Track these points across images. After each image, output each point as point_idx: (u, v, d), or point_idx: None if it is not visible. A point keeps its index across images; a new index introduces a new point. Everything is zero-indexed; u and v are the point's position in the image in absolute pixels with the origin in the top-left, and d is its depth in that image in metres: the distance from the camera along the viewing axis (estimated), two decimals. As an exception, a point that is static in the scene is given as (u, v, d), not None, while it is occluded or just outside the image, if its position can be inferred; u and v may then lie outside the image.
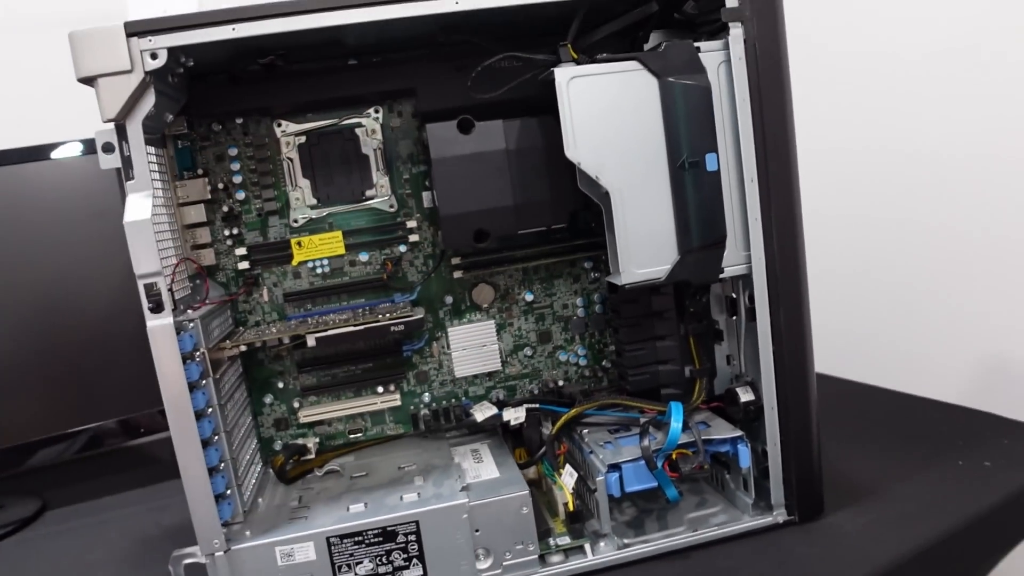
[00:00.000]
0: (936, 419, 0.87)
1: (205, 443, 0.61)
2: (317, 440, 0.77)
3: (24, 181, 0.91)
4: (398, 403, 0.77)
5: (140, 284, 0.58)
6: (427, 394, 0.78)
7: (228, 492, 0.64)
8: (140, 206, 0.58)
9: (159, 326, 0.57)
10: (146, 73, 0.57)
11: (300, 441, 0.76)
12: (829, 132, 1.23)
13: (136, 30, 0.56)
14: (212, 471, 0.61)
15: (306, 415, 0.76)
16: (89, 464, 1.01)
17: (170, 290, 0.60)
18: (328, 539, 0.61)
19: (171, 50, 0.57)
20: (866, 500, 0.70)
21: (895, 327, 1.25)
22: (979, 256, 1.09)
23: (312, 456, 0.75)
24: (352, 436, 0.78)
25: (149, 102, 0.58)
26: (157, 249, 0.58)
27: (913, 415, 0.90)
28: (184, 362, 0.59)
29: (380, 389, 0.77)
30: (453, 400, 0.78)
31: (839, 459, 0.75)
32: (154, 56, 0.56)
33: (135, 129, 0.58)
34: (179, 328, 0.59)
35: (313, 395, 0.76)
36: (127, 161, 0.58)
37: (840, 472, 0.74)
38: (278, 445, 0.77)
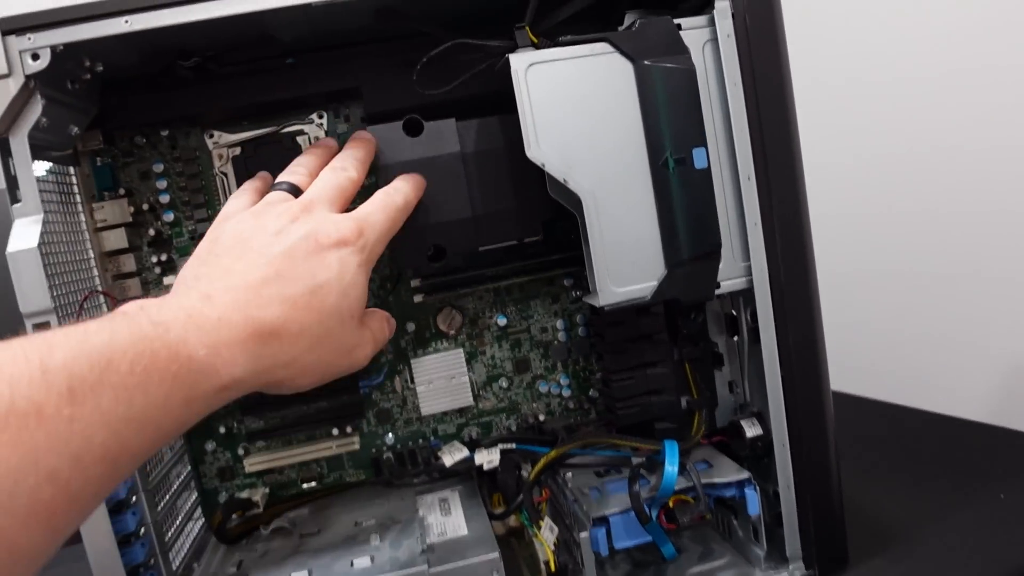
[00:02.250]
0: (967, 442, 0.77)
1: (119, 506, 0.52)
2: (266, 491, 0.67)
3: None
4: (357, 447, 0.68)
5: (29, 325, 0.49)
6: (390, 435, 0.68)
7: (151, 561, 0.55)
8: (26, 233, 0.49)
9: (51, 374, 0.48)
10: (27, 77, 0.48)
11: (245, 494, 0.67)
12: (835, 122, 1.13)
13: (11, 27, 0.48)
14: (128, 539, 0.52)
15: (253, 463, 0.67)
16: None
17: (69, 330, 0.51)
18: (263, 618, 0.52)
19: (57, 50, 0.48)
20: (897, 547, 0.60)
21: (909, 336, 1.15)
22: (998, 257, 0.99)
23: (260, 510, 0.66)
24: (306, 485, 0.68)
25: (35, 111, 0.49)
26: (48, 284, 0.49)
27: (939, 437, 0.80)
28: (91, 412, 0.50)
29: (336, 431, 0.67)
30: (420, 441, 0.69)
31: (860, 495, 0.65)
32: (35, 57, 0.48)
33: (20, 144, 0.49)
34: (83, 374, 0.50)
35: (261, 440, 0.67)
36: (12, 181, 0.50)
37: (863, 512, 0.64)
38: (222, 497, 0.67)
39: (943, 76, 1.01)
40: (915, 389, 0.99)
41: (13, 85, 0.48)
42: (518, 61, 0.50)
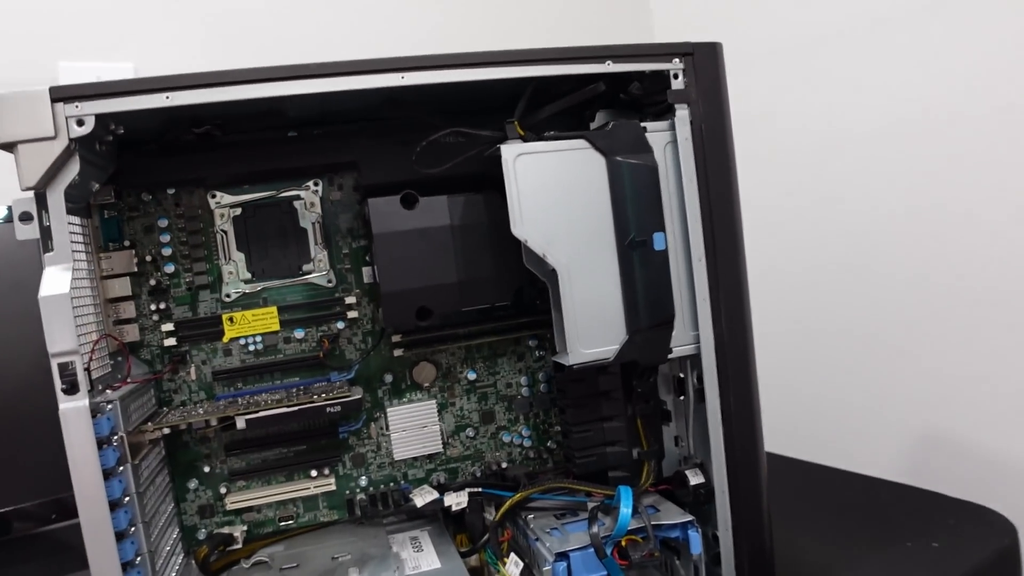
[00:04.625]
0: (880, 498, 0.86)
1: (121, 535, 0.56)
2: (245, 528, 0.72)
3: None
4: (333, 488, 0.73)
5: (54, 363, 0.54)
6: (364, 478, 0.74)
7: (146, 590, 0.59)
8: (58, 280, 0.54)
9: (72, 409, 0.53)
10: (71, 140, 0.54)
11: (226, 530, 0.71)
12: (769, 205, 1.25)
13: (63, 95, 0.53)
14: (127, 566, 0.57)
15: (233, 501, 0.71)
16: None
17: (87, 369, 0.56)
18: (254, 642, 0.57)
19: (99, 117, 0.54)
20: (818, 586, 0.68)
21: (826, 401, 1.26)
22: (910, 329, 1.11)
23: (239, 546, 0.70)
24: (283, 523, 0.73)
25: (73, 171, 0.55)
26: (74, 326, 0.54)
27: (855, 493, 0.89)
28: (100, 447, 0.54)
29: (314, 473, 0.73)
30: (391, 484, 0.75)
31: (788, 543, 0.74)
32: (80, 123, 0.54)
33: (56, 199, 0.54)
34: (96, 410, 0.55)
35: (241, 480, 0.72)
36: (46, 232, 0.55)
37: (790, 557, 0.72)
38: (202, 534, 0.71)
39: (869, 157, 1.14)
40: (834, 451, 1.09)
41: (58, 147, 0.53)
42: (508, 151, 0.58)
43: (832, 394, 1.25)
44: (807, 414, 1.28)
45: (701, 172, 0.60)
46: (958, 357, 1.05)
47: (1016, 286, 0.98)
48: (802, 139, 1.22)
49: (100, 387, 0.60)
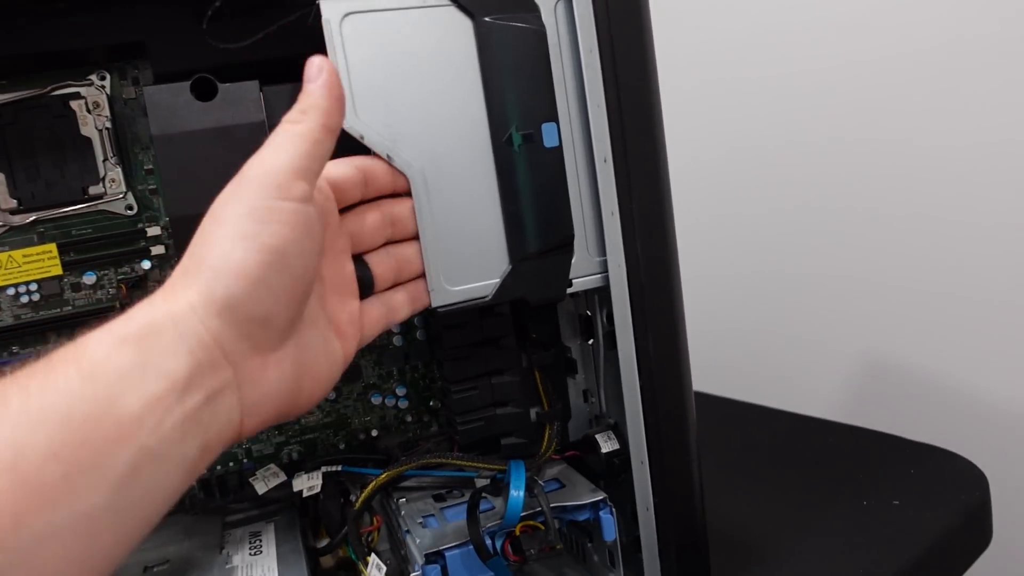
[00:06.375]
0: (828, 444, 0.74)
1: None
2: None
3: None
4: (152, 473, 0.57)
5: None
6: (193, 458, 0.58)
7: None
8: None
9: None
10: None
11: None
12: (699, 117, 1.10)
13: None
14: None
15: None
16: None
17: None
18: None
19: None
20: (764, 563, 0.55)
21: (761, 333, 1.14)
22: (849, 253, 0.99)
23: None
24: (88, 522, 0.57)
25: None
26: None
27: (800, 440, 0.77)
28: None
29: (125, 456, 0.56)
30: (231, 464, 0.59)
31: (723, 506, 0.60)
32: None
33: None
34: None
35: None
36: None
37: (727, 524, 0.59)
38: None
39: (806, 74, 0.99)
40: (770, 387, 0.97)
41: None
42: (331, 9, 0.41)
43: (767, 325, 1.13)
44: (739, 347, 1.16)
45: (605, 39, 0.44)
46: (908, 278, 0.93)
47: (977, 198, 0.85)
48: (736, 40, 1.07)
49: None
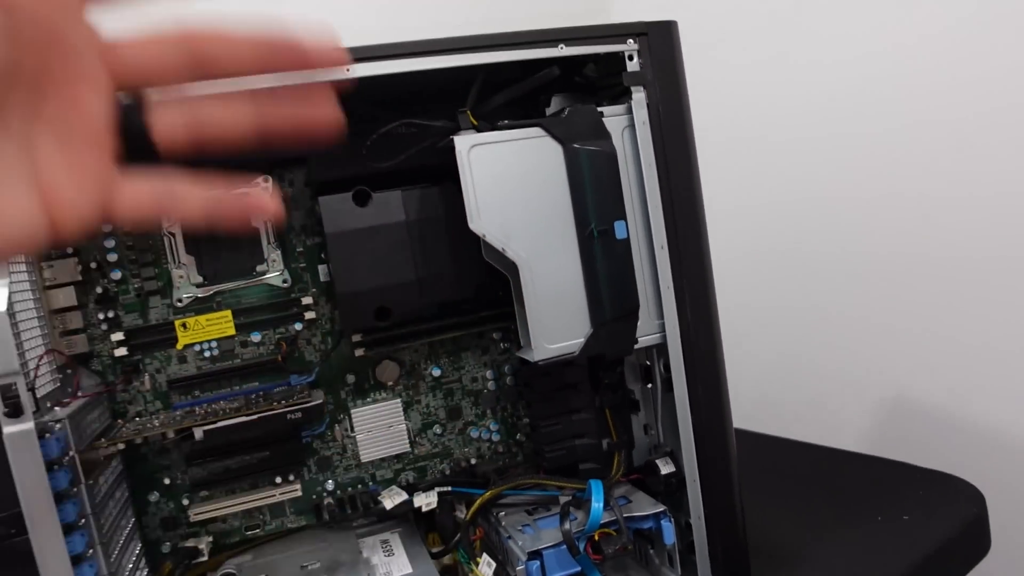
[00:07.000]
0: (847, 471, 0.87)
1: (78, 559, 0.54)
2: (210, 539, 0.70)
3: None
4: (299, 493, 0.71)
5: (-6, 385, 0.51)
6: (330, 482, 0.72)
7: (107, 612, 0.57)
8: (-7, 298, 0.52)
9: (17, 432, 0.51)
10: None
11: (191, 543, 0.69)
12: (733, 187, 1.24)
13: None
14: (86, 592, 0.54)
15: (197, 512, 0.69)
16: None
17: (31, 389, 0.53)
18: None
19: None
20: (793, 566, 0.68)
21: (791, 374, 1.26)
22: (873, 297, 1.12)
23: (205, 558, 0.68)
24: (249, 532, 0.71)
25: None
26: (14, 344, 0.51)
27: (823, 467, 0.89)
28: (51, 468, 0.52)
29: (279, 479, 0.71)
30: (359, 487, 0.73)
31: (760, 521, 0.73)
32: None
33: (-13, 212, 0.51)
34: (43, 431, 0.52)
35: (204, 490, 0.70)
36: (-22, 247, 0.52)
37: (763, 536, 0.71)
38: (166, 548, 0.69)
39: (825, 133, 1.13)
40: (797, 423, 1.09)
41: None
42: (462, 142, 0.56)
43: (796, 367, 1.25)
44: (773, 387, 1.29)
45: (660, 156, 0.59)
46: (919, 322, 1.06)
47: (980, 251, 0.98)
48: (765, 121, 1.21)
49: (48, 404, 0.57)
